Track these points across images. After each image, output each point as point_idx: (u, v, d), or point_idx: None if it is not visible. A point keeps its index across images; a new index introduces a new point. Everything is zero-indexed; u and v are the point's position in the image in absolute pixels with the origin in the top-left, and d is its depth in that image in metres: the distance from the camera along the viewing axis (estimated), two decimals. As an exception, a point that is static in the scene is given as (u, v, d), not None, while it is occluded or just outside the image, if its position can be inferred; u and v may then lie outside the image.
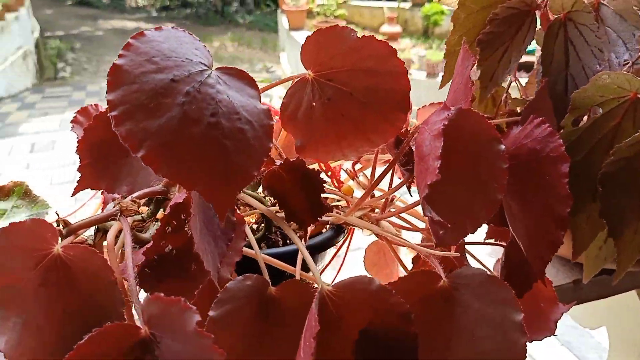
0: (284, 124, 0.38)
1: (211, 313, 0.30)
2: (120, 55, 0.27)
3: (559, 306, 0.47)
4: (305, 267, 0.44)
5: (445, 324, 0.31)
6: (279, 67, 6.80)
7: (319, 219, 0.36)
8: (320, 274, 0.47)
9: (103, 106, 0.39)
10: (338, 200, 0.49)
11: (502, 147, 0.32)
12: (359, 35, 0.35)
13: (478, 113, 0.32)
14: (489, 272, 0.31)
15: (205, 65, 0.29)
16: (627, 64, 0.41)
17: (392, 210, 0.45)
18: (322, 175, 0.46)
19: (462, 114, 0.32)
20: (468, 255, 0.48)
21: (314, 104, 0.37)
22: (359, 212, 0.45)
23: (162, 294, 0.26)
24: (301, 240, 0.38)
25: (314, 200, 0.35)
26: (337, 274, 0.52)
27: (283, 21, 6.62)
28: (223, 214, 0.28)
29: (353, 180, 0.49)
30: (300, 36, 5.78)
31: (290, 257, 0.40)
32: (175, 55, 0.28)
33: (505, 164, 0.32)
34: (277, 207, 0.36)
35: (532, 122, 0.36)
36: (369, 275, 0.29)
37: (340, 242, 0.47)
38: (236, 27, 10.66)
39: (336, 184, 0.48)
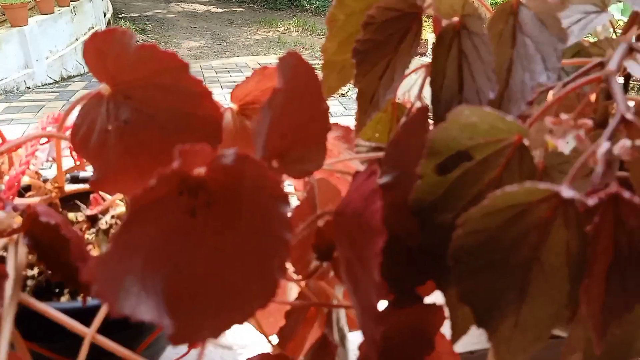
0: (77, 151, 0.31)
1: None
2: None
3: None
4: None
5: None
6: (340, 54, 6.68)
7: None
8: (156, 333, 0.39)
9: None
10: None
11: (286, 208, 0.23)
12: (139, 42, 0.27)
13: (259, 162, 0.23)
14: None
15: None
16: (545, 89, 0.30)
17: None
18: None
19: (241, 161, 0.23)
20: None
21: (110, 127, 0.29)
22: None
23: None
24: (84, 300, 0.30)
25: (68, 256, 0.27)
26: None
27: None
28: None
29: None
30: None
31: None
32: None
33: (289, 233, 0.23)
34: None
35: (368, 170, 0.26)
36: None
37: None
38: (302, 12, 10.60)
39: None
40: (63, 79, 5.62)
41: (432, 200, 0.28)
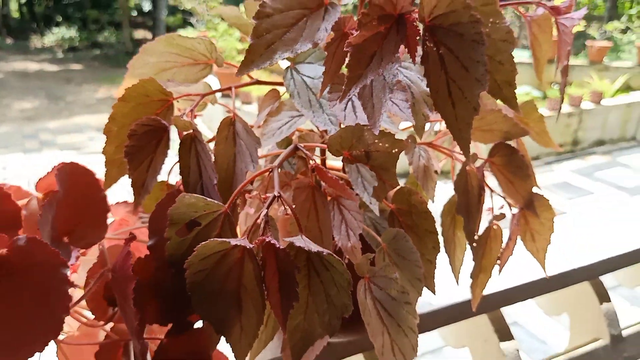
0: None
1: None
2: None
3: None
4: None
5: None
6: (187, 110, 6.75)
7: None
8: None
9: None
10: None
11: (67, 271, 0.35)
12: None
13: (42, 241, 0.35)
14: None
15: None
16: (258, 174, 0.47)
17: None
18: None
19: (30, 242, 0.35)
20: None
21: None
22: None
23: None
24: None
25: None
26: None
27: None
28: None
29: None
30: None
31: None
32: None
33: (68, 287, 0.35)
34: None
35: (126, 239, 0.40)
36: None
37: None
38: (147, 69, 10.49)
39: None
40: None
41: (181, 254, 0.42)
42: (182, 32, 6.86)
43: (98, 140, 5.82)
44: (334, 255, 0.37)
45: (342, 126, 0.44)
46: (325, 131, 0.56)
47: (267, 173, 0.42)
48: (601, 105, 5.22)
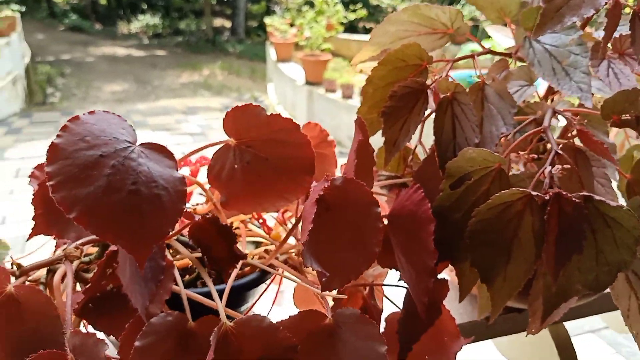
0: (211, 183, 0.45)
1: (136, 343, 0.36)
2: (57, 136, 0.34)
3: (460, 340, 0.54)
4: (231, 304, 0.50)
5: (328, 355, 0.38)
6: (267, 97, 6.91)
7: (236, 265, 0.43)
8: (249, 309, 0.53)
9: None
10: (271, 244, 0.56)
11: (379, 209, 0.39)
12: (268, 113, 0.43)
13: (359, 182, 0.39)
14: (360, 313, 0.38)
15: (129, 142, 0.36)
16: (505, 135, 0.49)
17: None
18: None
19: (347, 182, 0.39)
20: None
21: (236, 166, 0.44)
22: (283, 256, 0.52)
23: (82, 330, 0.32)
24: (226, 281, 0.44)
25: (231, 249, 0.42)
26: (270, 309, 0.58)
27: (271, 53, 6.77)
28: (142, 263, 0.35)
29: (282, 226, 0.56)
30: (287, 68, 5.90)
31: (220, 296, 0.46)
32: (104, 135, 0.35)
33: (381, 224, 0.39)
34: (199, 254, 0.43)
35: (413, 187, 0.43)
36: (263, 314, 0.36)
37: (269, 281, 0.53)
38: (226, 56, 10.80)
39: (266, 230, 0.55)
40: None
41: (448, 205, 0.45)
42: (267, 19, 7.01)
43: (184, 122, 6.07)
44: (631, 210, 0.39)
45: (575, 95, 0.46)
46: (549, 97, 0.57)
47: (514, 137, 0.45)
48: None
